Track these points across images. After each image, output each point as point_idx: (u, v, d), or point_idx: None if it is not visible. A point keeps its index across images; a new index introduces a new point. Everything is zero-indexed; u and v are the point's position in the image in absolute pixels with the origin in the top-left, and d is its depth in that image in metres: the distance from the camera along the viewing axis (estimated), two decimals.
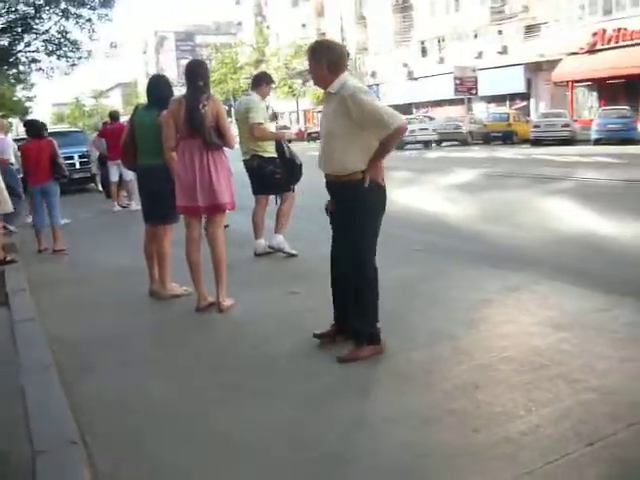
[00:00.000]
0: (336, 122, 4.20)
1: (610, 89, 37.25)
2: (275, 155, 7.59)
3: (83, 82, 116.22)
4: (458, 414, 3.46)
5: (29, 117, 68.31)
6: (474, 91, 41.86)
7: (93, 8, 28.37)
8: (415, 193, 13.63)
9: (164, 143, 5.63)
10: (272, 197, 7.92)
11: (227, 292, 5.72)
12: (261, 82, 7.77)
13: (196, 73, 5.54)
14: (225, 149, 5.63)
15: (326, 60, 4.22)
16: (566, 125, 29.48)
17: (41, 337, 5.13)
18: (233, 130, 6.12)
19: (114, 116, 14.54)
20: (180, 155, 5.57)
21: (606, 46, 35.97)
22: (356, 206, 4.23)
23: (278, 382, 4.09)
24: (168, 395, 4.01)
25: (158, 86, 6.20)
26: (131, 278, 7.02)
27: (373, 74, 58.50)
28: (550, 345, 4.37)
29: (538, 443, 3.12)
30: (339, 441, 3.28)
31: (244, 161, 7.75)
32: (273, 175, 7.54)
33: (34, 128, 9.75)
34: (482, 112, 40.92)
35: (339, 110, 4.14)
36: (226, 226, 6.37)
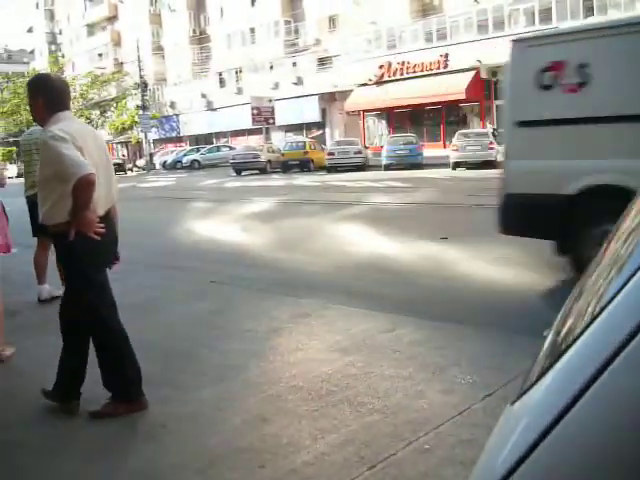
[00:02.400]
0: (40, 167, 3.92)
1: (398, 117, 39.73)
2: None
3: None
4: (245, 451, 3.40)
5: None
6: (272, 121, 42.73)
7: None
8: (212, 224, 13.59)
9: None
10: None
11: (6, 340, 5.29)
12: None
13: None
14: None
15: (43, 96, 3.91)
16: (359, 152, 30.82)
17: None
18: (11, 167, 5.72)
19: None
20: None
21: (392, 78, 38.33)
22: (65, 258, 3.99)
23: (63, 436, 3.81)
24: None
25: None
26: None
27: (172, 104, 58.05)
28: (337, 370, 4.45)
29: (323, 471, 3.13)
30: None
31: (27, 197, 7.04)
32: None
33: None
34: (280, 141, 41.84)
35: (42, 155, 3.90)
36: None
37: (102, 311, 3.99)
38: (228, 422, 3.79)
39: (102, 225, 3.81)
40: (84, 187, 3.59)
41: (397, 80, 38.02)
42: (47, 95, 3.90)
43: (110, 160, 4.20)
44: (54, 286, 6.97)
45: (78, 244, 3.76)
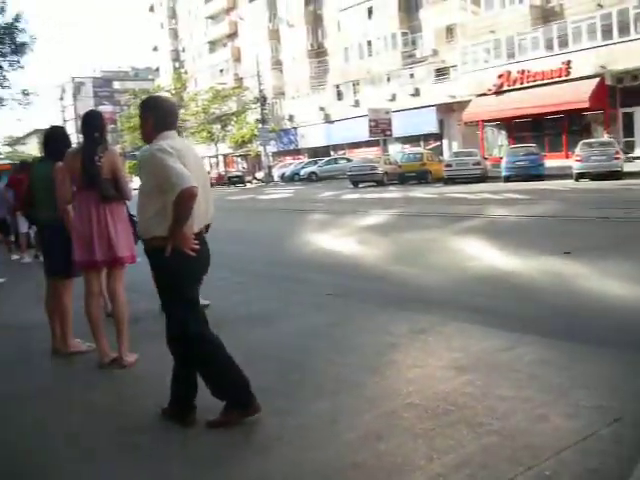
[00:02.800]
0: (143, 179, 4.02)
1: (517, 128, 38.80)
2: None
3: None
4: (360, 467, 3.38)
5: None
6: (389, 132, 42.68)
7: (3, 55, 27.92)
8: (329, 236, 13.69)
9: (57, 196, 5.46)
10: None
11: (129, 347, 5.53)
12: None
13: (91, 124, 5.42)
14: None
15: (153, 116, 4.07)
16: (477, 163, 30.28)
17: None
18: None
19: (24, 165, 14.08)
20: (77, 208, 5.41)
21: (512, 87, 37.50)
22: (158, 273, 4.09)
23: (178, 442, 3.93)
24: (64, 456, 3.81)
25: (53, 138, 6.04)
26: (35, 334, 6.72)
27: (290, 118, 59.11)
28: (454, 388, 4.37)
29: None
30: None
31: None
32: None
33: None
34: (397, 153, 41.72)
35: (146, 167, 3.99)
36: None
37: (192, 326, 4.04)
38: (342, 437, 3.79)
39: (197, 242, 3.89)
40: (186, 199, 3.68)
41: (517, 89, 37.15)
42: (157, 115, 4.06)
43: (208, 179, 4.27)
44: None
45: (173, 260, 3.86)
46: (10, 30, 27.62)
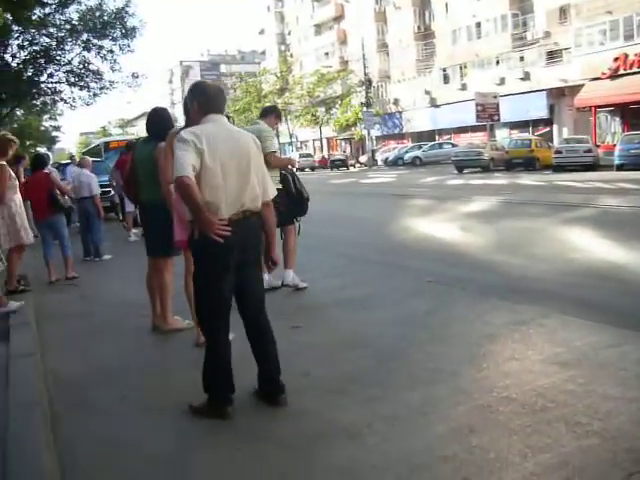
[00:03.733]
0: None
1: (633, 114, 36.91)
2: (279, 186, 7.51)
3: (110, 111, 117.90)
4: (449, 461, 3.30)
5: (56, 147, 69.59)
6: (496, 117, 41.72)
7: (115, 39, 28.88)
8: (431, 222, 13.52)
9: (160, 176, 5.56)
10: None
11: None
12: (271, 113, 7.68)
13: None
14: None
15: (197, 101, 4.15)
16: (589, 151, 29.14)
17: (34, 373, 5.05)
18: None
19: (130, 147, 14.55)
20: None
21: (628, 71, 35.72)
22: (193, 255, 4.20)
23: (264, 423, 3.97)
24: (160, 433, 3.91)
25: (157, 119, 6.17)
26: (137, 310, 6.94)
27: (395, 101, 58.68)
28: (554, 384, 4.19)
29: None
30: None
31: None
32: (276, 208, 7.30)
33: (35, 161, 9.94)
34: (505, 138, 40.69)
35: None
36: None
37: (209, 319, 4.14)
38: (433, 428, 3.71)
39: (228, 228, 3.85)
40: (179, 188, 3.77)
41: (634, 73, 35.31)
42: (201, 99, 4.14)
43: (252, 166, 4.09)
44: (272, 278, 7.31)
45: (199, 243, 3.96)
46: (120, 15, 28.50)
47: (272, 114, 7.69)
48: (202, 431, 3.94)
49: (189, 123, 5.25)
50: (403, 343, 5.32)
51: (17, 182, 8.40)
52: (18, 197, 8.23)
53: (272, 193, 4.32)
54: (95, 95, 29.84)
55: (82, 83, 29.18)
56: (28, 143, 52.85)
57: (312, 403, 4.21)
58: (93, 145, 29.78)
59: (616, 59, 36.24)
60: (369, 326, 5.90)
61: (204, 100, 4.13)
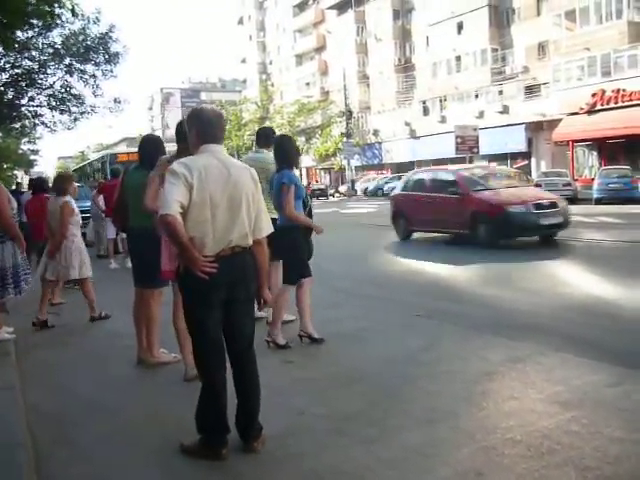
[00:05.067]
0: None
1: (610, 148, 37.42)
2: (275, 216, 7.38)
3: (89, 136, 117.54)
4: None
5: (34, 170, 69.02)
6: (475, 150, 41.97)
7: (97, 64, 28.82)
8: (418, 254, 13.49)
9: (147, 204, 5.40)
10: None
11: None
12: (271, 142, 7.08)
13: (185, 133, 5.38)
14: None
15: (196, 127, 4.01)
16: (567, 184, 29.34)
17: (14, 408, 4.85)
18: None
19: (115, 172, 14.38)
20: None
21: (605, 106, 36.22)
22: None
23: (260, 465, 3.80)
24: (145, 472, 3.75)
25: (149, 146, 6.05)
26: (121, 342, 6.78)
27: (375, 132, 58.98)
28: (558, 425, 4.08)
29: None
30: None
31: None
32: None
33: (35, 184, 9.89)
34: None
35: None
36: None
37: (198, 353, 4.02)
38: (436, 472, 3.58)
39: (214, 265, 3.73)
40: (162, 225, 3.70)
41: (611, 109, 35.84)
42: (199, 126, 3.99)
43: (244, 202, 3.93)
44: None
45: (185, 280, 3.87)
46: (104, 40, 28.51)
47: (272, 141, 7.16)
48: (191, 472, 3.79)
49: (182, 150, 5.14)
50: (398, 380, 5.19)
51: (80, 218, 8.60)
52: (79, 232, 8.48)
53: (266, 231, 4.17)
54: (76, 119, 29.72)
55: (63, 107, 29.03)
56: (5, 166, 52.39)
57: (309, 444, 4.05)
58: (97, 157, 28.90)
59: (594, 95, 36.77)
60: (362, 362, 5.77)
61: (203, 127, 3.99)
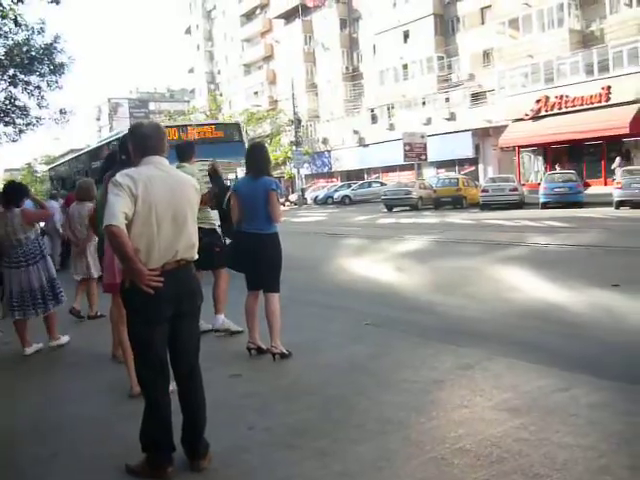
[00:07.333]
0: None
1: (555, 153, 38.24)
2: (215, 227, 7.28)
3: (36, 148, 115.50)
4: None
5: None
6: (424, 157, 42.44)
7: (42, 75, 28.19)
8: (366, 262, 13.44)
9: None
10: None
11: None
12: (191, 154, 7.27)
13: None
14: None
15: (132, 142, 3.99)
16: (514, 189, 29.79)
17: None
18: None
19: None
20: None
21: (549, 112, 37.03)
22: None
23: None
24: None
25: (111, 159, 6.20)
26: (67, 357, 6.59)
27: (324, 141, 59.14)
28: (507, 433, 4.08)
29: None
30: None
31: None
32: (211, 249, 6.89)
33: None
34: (432, 177, 41.37)
35: None
36: None
37: (141, 370, 3.92)
38: None
39: (159, 279, 3.65)
40: (108, 237, 3.62)
41: (555, 114, 36.65)
42: (135, 141, 3.96)
43: (184, 211, 3.87)
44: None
45: (129, 293, 3.76)
46: (49, 50, 27.92)
47: (192, 154, 7.29)
48: None
49: (125, 164, 5.03)
50: (348, 391, 5.13)
51: None
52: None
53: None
54: (21, 131, 28.96)
55: (7, 119, 28.31)
56: None
57: (259, 460, 3.96)
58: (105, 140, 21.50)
59: (538, 101, 37.58)
60: (312, 373, 5.71)
61: (138, 142, 3.93)
